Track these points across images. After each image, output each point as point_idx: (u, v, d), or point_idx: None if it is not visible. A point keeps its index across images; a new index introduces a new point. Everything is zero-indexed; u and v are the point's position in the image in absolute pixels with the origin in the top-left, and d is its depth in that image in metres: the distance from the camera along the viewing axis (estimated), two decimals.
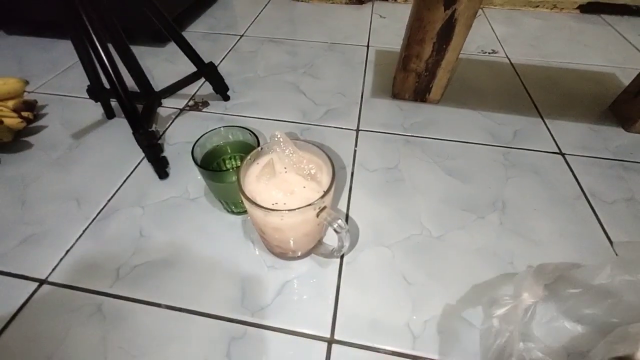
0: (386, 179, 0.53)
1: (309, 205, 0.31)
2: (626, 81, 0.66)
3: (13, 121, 0.55)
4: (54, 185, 0.52)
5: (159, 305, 0.39)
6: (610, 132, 0.62)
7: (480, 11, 1.08)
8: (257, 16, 1.06)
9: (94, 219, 0.48)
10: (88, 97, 0.61)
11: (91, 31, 0.42)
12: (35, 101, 0.63)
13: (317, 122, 0.64)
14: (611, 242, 0.45)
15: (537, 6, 1.08)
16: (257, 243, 0.45)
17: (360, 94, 0.72)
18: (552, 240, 0.45)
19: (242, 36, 0.95)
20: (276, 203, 0.34)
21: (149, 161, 0.52)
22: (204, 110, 0.68)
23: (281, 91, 0.73)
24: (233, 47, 0.89)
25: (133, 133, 0.47)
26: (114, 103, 0.64)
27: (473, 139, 0.61)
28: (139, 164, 0.55)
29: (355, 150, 0.58)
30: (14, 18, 0.90)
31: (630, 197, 0.51)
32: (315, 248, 0.42)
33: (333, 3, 1.13)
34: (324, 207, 0.33)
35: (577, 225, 0.47)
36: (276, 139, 0.37)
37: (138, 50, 0.86)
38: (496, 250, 0.44)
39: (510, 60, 0.83)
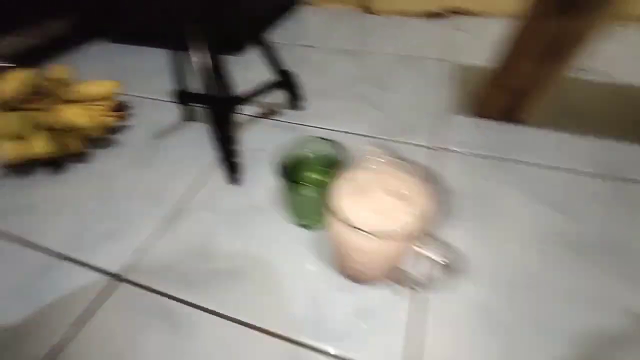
0: (473, 204, 0.47)
1: (402, 229, 0.27)
2: None
3: (108, 119, 0.60)
4: (135, 183, 0.55)
5: (225, 316, 0.37)
6: None
7: None
8: (331, 29, 1.07)
9: (169, 218, 0.49)
10: (172, 101, 0.64)
11: (196, 41, 0.44)
12: (126, 102, 0.68)
13: (392, 137, 0.61)
14: None
15: None
16: (328, 261, 0.42)
17: (439, 110, 0.67)
18: None
19: (315, 48, 0.96)
20: (365, 223, 0.30)
21: (225, 165, 0.52)
22: (275, 118, 0.68)
23: (354, 103, 0.71)
24: (306, 58, 0.90)
25: (215, 138, 0.48)
26: (194, 107, 0.67)
27: (575, 165, 0.52)
28: (213, 168, 0.56)
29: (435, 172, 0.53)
30: (118, 28, 1.01)
31: None
32: (393, 275, 0.38)
33: (408, 16, 1.10)
34: (419, 234, 0.29)
35: None
36: (369, 155, 0.34)
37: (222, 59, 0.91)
38: (607, 299, 0.36)
39: (616, 80, 0.71)
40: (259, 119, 0.68)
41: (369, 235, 0.28)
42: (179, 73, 0.58)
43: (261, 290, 0.39)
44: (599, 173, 0.51)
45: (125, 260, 0.44)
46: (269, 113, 0.70)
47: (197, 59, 0.45)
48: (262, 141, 0.62)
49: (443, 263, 0.29)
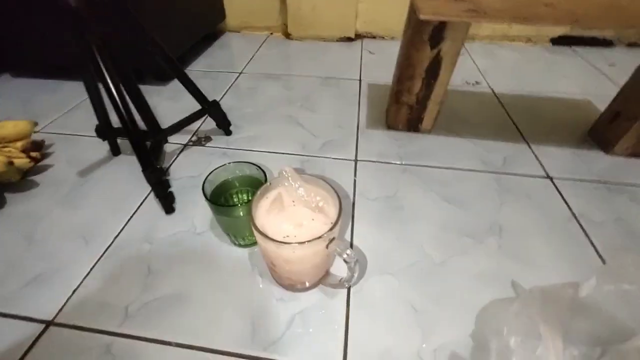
0: (386, 207, 0.56)
1: (320, 237, 0.33)
2: (601, 107, 0.71)
3: (22, 161, 0.56)
4: (60, 224, 0.53)
5: (169, 343, 0.39)
6: (592, 156, 0.66)
7: None
8: (254, 54, 1.13)
9: (102, 256, 0.48)
10: (93, 135, 0.63)
11: (105, 72, 0.45)
12: (43, 141, 0.65)
13: (316, 153, 0.67)
14: (604, 261, 0.47)
15: (513, 40, 1.18)
16: (265, 275, 0.45)
17: (356, 126, 0.76)
18: (548, 262, 0.47)
19: (240, 73, 1.00)
20: (287, 236, 0.35)
21: (157, 197, 0.53)
22: (207, 145, 0.71)
23: (280, 124, 0.76)
24: (233, 83, 0.94)
25: (143, 171, 0.49)
26: (119, 141, 0.66)
27: (466, 165, 0.64)
28: (144, 199, 0.57)
29: (355, 180, 0.61)
30: (21, 61, 0.93)
31: (617, 217, 0.54)
32: (324, 279, 0.43)
33: (325, 40, 1.21)
34: (333, 238, 0.35)
35: (571, 246, 0.49)
36: (284, 173, 0.39)
37: (141, 89, 0.90)
38: (497, 274, 0.46)
39: (493, 91, 0.89)
40: (190, 146, 0.70)
41: (292, 245, 0.33)
42: (97, 107, 0.57)
43: (202, 312, 0.42)
44: (484, 169, 0.63)
45: (55, 304, 0.42)
46: (200, 140, 0.72)
47: (112, 91, 0.46)
48: (196, 168, 0.63)
49: (354, 262, 0.35)
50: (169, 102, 0.85)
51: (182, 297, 0.43)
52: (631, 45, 1.13)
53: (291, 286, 0.43)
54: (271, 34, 1.29)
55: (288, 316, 0.41)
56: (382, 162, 0.65)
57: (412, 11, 0.58)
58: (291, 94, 0.89)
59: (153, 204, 0.56)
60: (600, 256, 0.48)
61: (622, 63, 1.03)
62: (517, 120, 0.77)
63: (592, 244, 0.49)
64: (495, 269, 0.46)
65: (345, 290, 0.44)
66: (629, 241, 0.50)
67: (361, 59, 1.09)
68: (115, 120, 0.56)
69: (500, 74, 0.98)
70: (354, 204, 0.56)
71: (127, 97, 0.52)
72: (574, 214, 0.54)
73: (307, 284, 0.43)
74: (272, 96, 0.88)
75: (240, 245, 0.49)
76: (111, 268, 0.46)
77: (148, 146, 0.54)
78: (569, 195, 0.57)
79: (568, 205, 0.55)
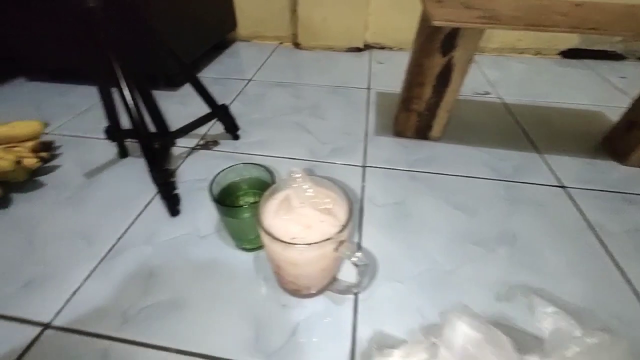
0: (395, 214, 0.54)
1: (329, 239, 0.32)
2: (613, 119, 0.70)
3: (30, 161, 0.56)
4: (64, 225, 0.52)
5: (168, 349, 0.37)
6: (606, 166, 0.65)
7: None
8: (264, 63, 1.14)
9: (103, 258, 0.47)
10: (102, 138, 0.63)
11: (120, 76, 0.45)
12: (52, 142, 0.65)
13: (324, 159, 0.67)
14: (624, 274, 0.45)
15: (522, 52, 1.18)
16: (270, 281, 0.44)
17: (364, 133, 0.75)
18: (562, 272, 0.45)
19: (250, 80, 1.01)
20: (294, 238, 0.34)
21: (162, 199, 0.52)
22: (214, 149, 0.70)
23: (288, 131, 0.76)
24: (242, 90, 0.95)
25: (150, 171, 0.49)
26: (127, 142, 0.66)
27: (475, 173, 0.63)
28: (150, 202, 0.56)
29: (363, 186, 0.60)
30: (35, 65, 0.96)
31: (635, 228, 0.51)
32: (330, 285, 0.41)
33: (334, 51, 1.23)
34: (342, 241, 0.34)
35: (587, 257, 0.47)
36: (293, 174, 0.38)
37: (153, 94, 0.91)
38: (508, 284, 0.44)
39: (502, 100, 0.89)
40: (198, 150, 0.70)
41: (299, 247, 0.32)
42: (109, 109, 0.57)
43: (205, 318, 0.40)
44: (493, 178, 0.62)
45: (53, 306, 0.41)
46: (207, 144, 0.72)
47: (126, 94, 0.46)
48: (202, 172, 0.63)
49: (364, 266, 0.33)
50: (178, 107, 0.86)
51: (183, 302, 0.42)
52: None
53: (296, 292, 0.41)
54: (281, 43, 1.31)
55: (292, 323, 0.40)
56: (390, 169, 0.64)
57: (424, 18, 0.58)
58: (300, 101, 0.89)
59: (158, 207, 0.55)
60: (619, 267, 0.46)
61: (633, 76, 1.02)
62: (528, 130, 0.76)
63: (609, 254, 0.47)
64: (506, 279, 0.44)
65: (352, 298, 0.42)
66: None
67: (370, 68, 1.10)
68: (124, 123, 0.56)
69: (510, 85, 0.97)
70: (361, 209, 0.55)
71: (140, 100, 0.53)
72: (589, 224, 0.52)
73: (313, 290, 0.41)
74: (281, 103, 0.88)
75: (245, 250, 0.48)
76: (112, 271, 0.45)
77: (157, 148, 0.53)
78: (584, 205, 0.55)
79: (583, 215, 0.54)
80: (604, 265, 0.46)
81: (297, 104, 0.87)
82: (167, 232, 0.51)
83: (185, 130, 0.62)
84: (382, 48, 1.24)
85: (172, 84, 0.94)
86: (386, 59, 1.16)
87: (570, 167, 0.64)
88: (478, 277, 0.45)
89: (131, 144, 0.67)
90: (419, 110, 0.67)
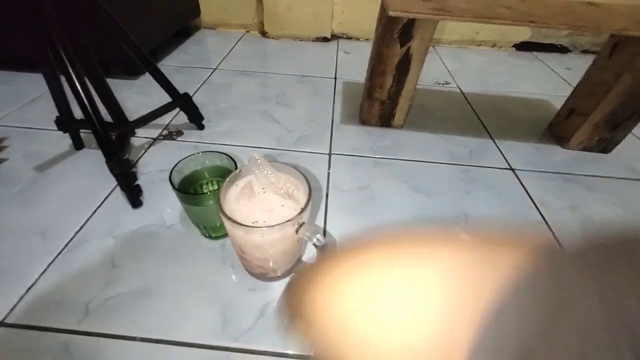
0: (359, 198, 0.56)
1: (288, 221, 0.33)
2: (558, 106, 0.76)
3: None
4: (15, 220, 0.49)
5: (133, 338, 0.37)
6: (550, 150, 0.71)
7: (432, 48, 1.21)
8: (230, 51, 1.11)
9: (60, 252, 0.45)
10: (54, 128, 0.59)
11: (67, 63, 0.43)
12: None
13: (291, 147, 0.67)
14: (560, 245, 0.50)
15: (480, 44, 1.24)
16: (236, 266, 0.45)
17: (331, 121, 0.77)
18: None
19: (215, 69, 0.99)
20: (256, 221, 0.35)
21: (122, 189, 0.51)
22: (178, 139, 0.69)
23: (255, 120, 0.76)
24: (207, 79, 0.92)
25: (106, 161, 0.47)
26: (83, 134, 0.63)
27: (435, 158, 0.66)
28: (110, 193, 0.54)
29: (329, 173, 0.61)
30: None
31: (573, 204, 0.57)
32: (296, 266, 0.43)
33: (301, 40, 1.22)
34: (303, 223, 0.35)
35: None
36: (254, 160, 0.39)
37: (111, 83, 0.87)
38: None
39: (461, 90, 0.93)
40: (161, 140, 0.68)
41: (260, 230, 0.33)
42: (58, 98, 0.54)
43: (170, 305, 0.40)
44: (451, 162, 0.66)
45: (6, 303, 0.39)
46: (171, 134, 0.70)
47: (74, 82, 0.44)
48: (166, 162, 0.62)
49: (323, 246, 0.35)
50: (139, 96, 0.83)
51: (148, 291, 0.41)
52: (585, 51, 1.22)
53: (263, 275, 0.42)
54: (247, 31, 1.29)
55: (260, 306, 0.41)
56: (355, 156, 0.66)
57: (383, 9, 0.60)
58: (266, 90, 0.89)
59: (119, 199, 0.53)
60: (557, 241, 0.51)
61: (577, 67, 1.11)
62: (483, 118, 0.81)
63: (550, 229, 0.53)
64: None
65: None
66: (584, 226, 0.54)
67: (337, 58, 1.11)
68: (78, 113, 0.54)
69: (468, 75, 1.02)
70: (327, 195, 0.57)
71: (92, 89, 0.50)
72: (534, 202, 0.57)
73: (279, 272, 0.42)
74: (247, 92, 0.87)
75: (211, 238, 0.48)
76: (71, 264, 0.44)
77: (113, 138, 0.52)
78: (529, 185, 0.61)
79: (528, 194, 0.59)
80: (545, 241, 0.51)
81: (263, 93, 0.87)
82: (130, 224, 0.50)
83: (145, 120, 0.61)
84: (349, 38, 1.25)
85: (132, 72, 0.90)
86: (353, 49, 1.17)
87: (519, 151, 0.70)
88: None
89: (88, 135, 0.64)
90: (382, 99, 0.69)
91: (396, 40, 0.59)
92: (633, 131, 0.77)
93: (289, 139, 0.70)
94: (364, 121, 0.75)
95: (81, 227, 0.49)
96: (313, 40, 1.22)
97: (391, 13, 0.50)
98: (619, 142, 0.68)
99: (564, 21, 0.50)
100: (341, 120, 0.77)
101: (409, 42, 0.59)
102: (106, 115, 0.56)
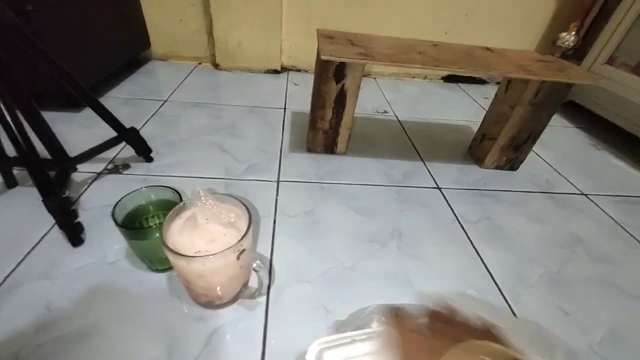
0: (305, 222, 0.61)
1: (228, 248, 0.36)
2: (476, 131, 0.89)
3: None
4: None
5: None
6: (470, 169, 0.82)
7: (373, 80, 1.34)
8: (181, 83, 1.13)
9: None
10: None
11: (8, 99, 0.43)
12: None
13: (240, 177, 0.70)
14: (478, 253, 0.58)
15: (414, 77, 1.40)
16: (183, 297, 0.46)
17: (279, 150, 0.81)
18: (438, 257, 0.57)
19: (165, 101, 1.00)
20: (199, 251, 0.37)
21: (61, 229, 0.50)
22: (124, 172, 0.68)
23: (205, 151, 0.78)
24: (157, 111, 0.93)
25: (43, 200, 0.46)
26: (16, 171, 0.61)
27: (374, 181, 0.74)
28: (47, 233, 0.52)
29: (276, 200, 0.65)
30: None
31: (487, 216, 0.67)
32: (241, 292, 0.45)
33: (253, 72, 1.28)
34: (243, 250, 0.38)
35: (455, 243, 0.60)
36: (197, 193, 0.41)
37: (50, 116, 0.84)
38: (397, 272, 0.53)
39: (397, 118, 1.04)
40: (106, 175, 0.67)
41: (201, 259, 0.35)
42: None
43: (111, 345, 0.40)
44: (387, 184, 0.73)
45: None
46: (117, 168, 0.69)
47: (6, 116, 0.44)
48: (111, 197, 0.60)
49: (263, 270, 0.38)
50: (82, 130, 0.81)
51: (87, 333, 0.41)
52: (498, 83, 1.43)
53: (210, 303, 0.44)
54: (200, 63, 1.32)
55: (207, 334, 0.42)
56: (302, 182, 0.71)
57: (319, 52, 0.67)
58: (217, 122, 0.92)
59: (58, 238, 0.52)
60: (475, 249, 0.59)
61: (492, 97, 1.30)
62: (416, 142, 0.91)
63: (469, 239, 0.61)
64: (396, 268, 0.54)
65: (264, 302, 0.46)
66: (495, 234, 0.63)
67: (286, 89, 1.18)
68: (10, 149, 0.52)
69: (404, 105, 1.15)
70: (275, 221, 0.60)
71: (28, 123, 0.49)
72: (456, 216, 0.66)
73: (225, 299, 0.44)
74: (198, 124, 0.89)
75: (158, 271, 0.48)
76: (1, 314, 0.42)
77: (52, 175, 0.51)
78: (453, 201, 0.70)
79: (452, 210, 0.67)
80: (465, 247, 0.59)
81: (214, 124, 0.90)
82: (70, 263, 0.49)
83: (88, 155, 0.60)
84: (299, 70, 1.34)
85: (75, 104, 0.88)
86: (301, 81, 1.26)
87: (445, 171, 0.80)
88: (373, 268, 0.53)
89: (22, 172, 0.61)
90: (324, 129, 0.76)
91: (332, 78, 0.67)
92: (537, 151, 0.92)
93: (239, 169, 0.73)
94: (309, 149, 0.81)
95: (12, 271, 0.46)
96: (264, 72, 1.29)
97: (323, 57, 0.58)
98: (523, 160, 0.82)
99: (462, 66, 0.61)
100: (289, 149, 0.82)
101: (343, 80, 0.67)
102: (43, 151, 0.55)
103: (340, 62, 0.64)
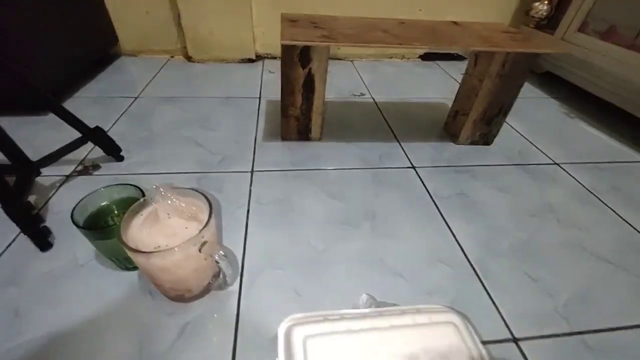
0: (278, 210, 0.61)
1: (188, 241, 0.36)
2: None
3: None
4: None
5: None
6: (445, 146, 0.82)
7: (350, 64, 1.32)
8: (153, 78, 1.10)
9: None
10: None
11: None
12: None
13: (214, 169, 0.70)
14: (449, 228, 0.59)
15: (392, 57, 1.38)
16: (155, 294, 0.46)
17: (254, 140, 0.81)
18: (410, 235, 0.57)
19: (137, 98, 0.97)
20: (159, 246, 0.37)
21: (24, 234, 0.49)
22: (95, 173, 0.67)
23: (178, 146, 0.77)
24: (127, 109, 0.91)
25: (2, 207, 0.45)
26: None
27: (349, 165, 0.74)
28: (14, 239, 0.52)
29: (250, 190, 0.65)
30: None
31: (460, 192, 0.68)
32: (212, 284, 0.45)
33: (227, 62, 1.25)
34: (205, 242, 0.38)
35: (427, 220, 0.61)
36: (156, 188, 0.41)
37: (15, 121, 0.82)
38: (369, 252, 0.54)
39: (374, 100, 1.04)
40: (75, 177, 0.66)
41: (159, 253, 0.35)
42: None
43: (83, 345, 0.40)
44: (363, 167, 0.73)
45: None
46: (86, 169, 0.68)
47: None
48: (77, 199, 0.60)
49: (225, 260, 0.38)
50: (49, 132, 0.79)
51: (58, 335, 0.41)
52: None
53: (180, 297, 0.44)
54: (172, 57, 1.28)
55: (179, 327, 0.42)
56: (276, 171, 0.71)
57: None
58: (190, 115, 0.90)
59: (24, 244, 0.51)
60: (447, 224, 0.60)
61: None
62: (392, 123, 0.91)
63: (441, 214, 0.62)
64: (369, 248, 0.54)
65: (237, 291, 0.47)
66: (467, 208, 0.64)
67: (262, 78, 1.16)
68: None
69: (381, 86, 1.14)
70: (248, 211, 0.60)
71: None
72: (429, 193, 0.66)
73: (195, 292, 0.44)
74: (170, 119, 0.88)
75: (128, 269, 0.48)
76: None
77: (12, 182, 0.50)
78: (426, 179, 0.70)
79: (425, 187, 0.68)
80: (437, 223, 0.60)
81: (187, 118, 0.88)
82: (38, 268, 0.48)
83: (52, 158, 0.59)
84: (273, 58, 1.32)
85: (39, 107, 0.85)
86: (276, 69, 1.23)
87: (420, 150, 0.80)
88: (346, 250, 0.54)
89: None
90: (296, 115, 0.75)
91: (297, 63, 0.65)
92: (511, 124, 0.92)
93: (213, 161, 0.72)
94: (284, 137, 0.80)
95: None
96: (239, 62, 1.26)
97: (282, 42, 0.56)
98: (496, 134, 0.82)
99: (425, 42, 0.60)
100: (264, 138, 0.81)
101: (309, 64, 0.66)
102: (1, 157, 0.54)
103: (305, 46, 0.62)
